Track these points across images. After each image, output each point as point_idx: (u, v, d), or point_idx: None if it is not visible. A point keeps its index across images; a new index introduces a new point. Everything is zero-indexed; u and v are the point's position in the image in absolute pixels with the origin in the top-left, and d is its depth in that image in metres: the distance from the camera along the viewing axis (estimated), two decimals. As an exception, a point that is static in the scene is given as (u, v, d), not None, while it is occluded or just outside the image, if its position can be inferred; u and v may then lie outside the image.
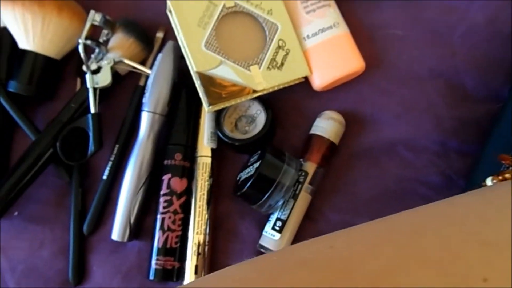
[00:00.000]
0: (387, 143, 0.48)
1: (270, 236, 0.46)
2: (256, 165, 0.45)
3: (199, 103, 0.49)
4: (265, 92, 0.48)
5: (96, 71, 0.51)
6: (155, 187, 0.49)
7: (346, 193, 0.48)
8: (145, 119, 0.49)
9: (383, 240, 0.24)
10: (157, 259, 0.46)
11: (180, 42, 0.48)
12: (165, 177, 0.48)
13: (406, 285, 0.21)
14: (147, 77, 0.52)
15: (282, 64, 0.48)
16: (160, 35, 0.54)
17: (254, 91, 0.47)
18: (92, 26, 0.50)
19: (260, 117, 0.49)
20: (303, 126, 0.50)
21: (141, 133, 0.50)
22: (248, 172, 0.46)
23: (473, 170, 0.47)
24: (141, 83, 0.53)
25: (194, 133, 0.50)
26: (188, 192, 0.49)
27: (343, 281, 0.22)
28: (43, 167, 0.50)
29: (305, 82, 0.50)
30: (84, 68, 0.51)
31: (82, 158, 0.50)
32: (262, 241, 0.46)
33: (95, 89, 0.50)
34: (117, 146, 0.51)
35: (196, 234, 0.47)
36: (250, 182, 0.44)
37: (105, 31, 0.53)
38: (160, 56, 0.50)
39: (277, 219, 0.46)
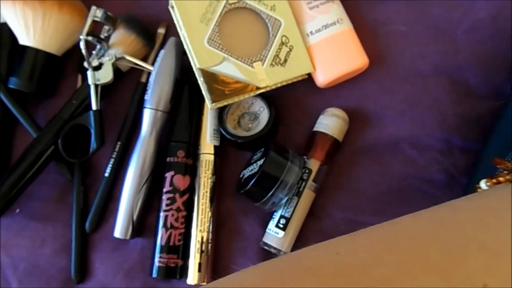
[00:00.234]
0: (390, 140, 0.48)
1: (273, 234, 0.46)
2: (260, 162, 0.45)
3: (202, 100, 0.49)
4: (268, 89, 0.47)
5: (97, 68, 0.50)
6: (157, 185, 0.49)
7: (350, 190, 0.48)
8: (147, 116, 0.49)
9: (387, 246, 0.25)
10: (160, 257, 0.46)
11: (182, 39, 0.47)
12: (168, 175, 0.48)
13: None
14: (149, 73, 0.52)
15: (285, 60, 0.48)
16: (161, 31, 0.54)
17: (258, 88, 0.47)
18: (94, 22, 0.49)
19: (263, 114, 0.48)
20: (306, 123, 0.50)
21: (143, 130, 0.49)
22: (252, 170, 0.46)
23: (475, 168, 0.46)
24: (143, 79, 0.53)
25: (196, 130, 0.50)
26: (191, 190, 0.48)
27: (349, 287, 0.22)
28: (44, 165, 0.49)
29: (308, 79, 0.49)
30: (86, 64, 0.50)
31: (84, 156, 0.50)
32: (266, 239, 0.46)
33: (96, 86, 0.49)
34: (119, 143, 0.51)
35: (199, 232, 0.47)
36: (254, 180, 0.44)
37: (106, 27, 0.52)
38: (162, 52, 0.50)
39: (281, 216, 0.46)
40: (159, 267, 0.46)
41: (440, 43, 0.49)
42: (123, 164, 0.50)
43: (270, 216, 0.48)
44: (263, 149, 0.47)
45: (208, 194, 0.48)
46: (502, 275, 0.21)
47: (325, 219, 0.47)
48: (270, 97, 0.49)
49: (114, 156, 0.51)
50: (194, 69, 0.47)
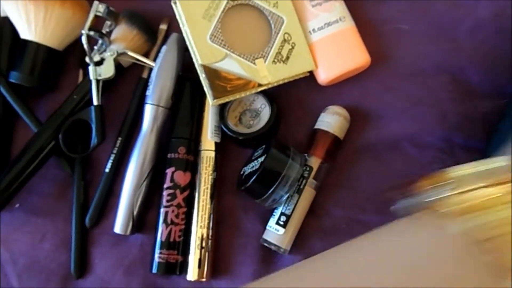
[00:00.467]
0: (391, 138, 0.48)
1: (274, 231, 0.46)
2: (261, 159, 0.45)
3: (203, 96, 0.49)
4: (270, 86, 0.47)
5: (99, 63, 0.50)
6: (157, 181, 0.49)
7: (350, 188, 0.48)
8: (149, 111, 0.49)
9: (324, 280, 0.24)
10: (160, 253, 0.46)
11: (184, 34, 0.47)
12: (169, 171, 0.48)
13: None
14: (150, 69, 0.52)
15: (287, 58, 0.48)
16: (163, 27, 0.54)
17: (259, 85, 0.47)
18: (96, 17, 0.49)
19: (265, 112, 0.48)
20: (307, 121, 0.50)
21: (144, 126, 0.49)
22: (253, 167, 0.46)
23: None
24: (145, 75, 0.52)
25: (197, 126, 0.50)
26: (191, 186, 0.48)
27: None
28: (45, 160, 0.49)
29: (310, 77, 0.49)
30: (87, 59, 0.50)
31: (85, 151, 0.50)
32: (266, 236, 0.46)
33: (98, 81, 0.49)
34: (120, 138, 0.51)
35: (200, 228, 0.47)
36: (254, 177, 0.44)
37: (108, 22, 0.52)
38: (164, 48, 0.50)
39: (282, 213, 0.46)
40: (159, 263, 0.46)
41: (442, 42, 0.49)
42: (124, 160, 0.50)
43: (270, 213, 0.48)
44: (264, 146, 0.47)
45: (209, 191, 0.48)
46: None
47: (326, 217, 0.47)
48: (272, 94, 0.49)
49: (114, 151, 0.51)
50: (196, 65, 0.47)
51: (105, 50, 0.51)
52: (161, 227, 0.47)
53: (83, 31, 0.49)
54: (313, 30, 0.48)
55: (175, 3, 0.47)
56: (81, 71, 0.54)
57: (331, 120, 0.47)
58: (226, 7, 0.46)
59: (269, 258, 0.47)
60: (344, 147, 0.49)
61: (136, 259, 0.49)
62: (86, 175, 0.51)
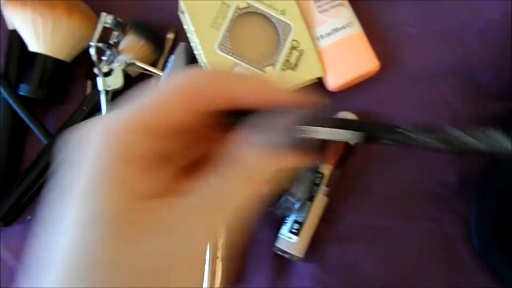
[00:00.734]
0: (403, 143, 0.48)
1: (287, 239, 0.45)
2: (272, 167, 0.45)
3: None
4: (279, 93, 0.47)
5: (107, 74, 0.50)
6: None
7: (363, 194, 0.48)
8: (158, 121, 0.49)
9: None
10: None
11: (192, 44, 0.47)
12: (180, 180, 0.48)
13: None
14: (158, 79, 0.52)
15: (296, 65, 0.48)
16: (170, 36, 0.54)
17: (269, 93, 0.47)
18: (103, 28, 0.49)
19: (274, 119, 0.48)
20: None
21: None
22: (264, 175, 0.46)
23: (490, 169, 0.46)
24: (153, 85, 0.52)
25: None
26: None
27: None
28: (56, 171, 0.49)
29: (319, 83, 0.49)
30: (96, 70, 0.50)
31: (95, 162, 0.50)
32: (279, 244, 0.46)
33: (107, 92, 0.49)
34: (130, 149, 0.51)
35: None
36: (266, 185, 0.44)
37: (115, 33, 0.52)
38: (172, 58, 0.50)
39: (294, 221, 0.46)
40: (172, 273, 0.46)
41: (451, 45, 0.49)
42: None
43: (281, 220, 0.48)
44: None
45: (220, 199, 0.48)
46: None
47: (339, 223, 0.47)
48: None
49: (125, 162, 0.50)
50: (205, 74, 0.47)
51: (113, 61, 0.51)
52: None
53: (91, 43, 0.49)
54: (321, 36, 0.48)
55: (182, 12, 0.47)
56: (89, 82, 0.54)
57: (342, 126, 0.47)
58: (234, 16, 0.46)
59: (283, 266, 0.47)
60: (355, 153, 0.48)
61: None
62: (97, 186, 0.51)
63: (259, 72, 0.46)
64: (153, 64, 0.52)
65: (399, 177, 0.48)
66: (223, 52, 0.46)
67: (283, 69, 0.47)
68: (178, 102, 0.22)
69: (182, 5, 0.46)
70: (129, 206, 0.20)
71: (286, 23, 0.48)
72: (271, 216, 0.48)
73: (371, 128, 0.24)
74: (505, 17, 0.49)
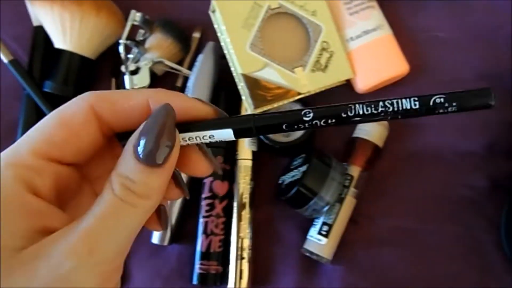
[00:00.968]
0: (431, 146, 0.48)
1: (316, 241, 0.45)
2: (302, 168, 0.45)
3: (239, 105, 0.49)
4: (307, 94, 0.47)
5: (134, 72, 0.50)
6: (194, 190, 0.49)
7: (391, 196, 0.48)
8: (186, 121, 0.49)
9: None
10: (201, 264, 0.46)
11: (223, 43, 0.47)
12: (207, 180, 0.48)
13: None
14: (185, 78, 0.52)
15: (326, 66, 0.47)
16: (196, 35, 0.53)
17: (299, 94, 0.47)
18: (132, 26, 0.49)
19: (303, 120, 0.48)
20: (343, 129, 0.50)
21: (181, 135, 0.49)
22: (293, 176, 0.46)
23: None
24: (179, 84, 0.52)
25: (233, 135, 0.49)
26: (229, 196, 0.48)
27: None
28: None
29: (347, 84, 0.49)
30: (123, 69, 0.50)
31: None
32: (308, 246, 0.46)
33: (133, 90, 0.49)
34: (155, 148, 0.50)
35: (240, 238, 0.47)
36: (297, 186, 0.44)
37: (141, 31, 0.52)
38: (201, 57, 0.49)
39: (323, 223, 0.45)
40: (200, 273, 0.46)
41: (481, 49, 0.49)
42: (160, 169, 0.50)
43: (308, 222, 0.47)
44: (304, 155, 0.47)
45: (248, 200, 0.48)
46: None
47: (367, 226, 0.47)
48: (308, 102, 0.48)
49: (151, 161, 0.50)
50: (235, 74, 0.47)
51: (139, 59, 0.51)
52: (201, 237, 0.47)
53: (121, 40, 0.48)
54: (351, 38, 0.48)
55: (213, 12, 0.47)
56: (113, 80, 0.53)
57: (371, 128, 0.47)
58: (265, 16, 0.46)
59: (311, 268, 0.47)
60: (383, 155, 0.48)
61: (174, 270, 0.48)
62: (121, 185, 0.50)
63: (290, 73, 0.46)
64: (179, 63, 0.52)
65: (427, 180, 0.48)
66: (254, 52, 0.46)
67: (313, 71, 0.47)
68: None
69: (214, 4, 0.45)
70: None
71: (317, 24, 0.47)
72: (297, 217, 0.48)
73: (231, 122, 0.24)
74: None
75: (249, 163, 0.49)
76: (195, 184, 0.48)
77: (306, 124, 0.23)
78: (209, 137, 0.24)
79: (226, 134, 0.24)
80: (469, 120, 0.48)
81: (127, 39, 0.49)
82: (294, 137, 0.47)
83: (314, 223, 0.46)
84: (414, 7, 0.50)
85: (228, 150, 0.49)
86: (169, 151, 0.22)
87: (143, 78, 0.50)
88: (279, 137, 0.48)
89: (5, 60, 0.51)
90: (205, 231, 0.47)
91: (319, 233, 0.45)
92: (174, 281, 0.48)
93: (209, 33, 0.53)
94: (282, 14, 0.47)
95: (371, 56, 0.48)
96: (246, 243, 0.47)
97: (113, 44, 0.53)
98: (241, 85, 0.46)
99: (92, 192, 0.26)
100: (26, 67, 0.53)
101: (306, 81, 0.47)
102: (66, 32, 0.49)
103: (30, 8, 0.53)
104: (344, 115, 0.23)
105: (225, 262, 0.47)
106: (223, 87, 0.50)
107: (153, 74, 0.51)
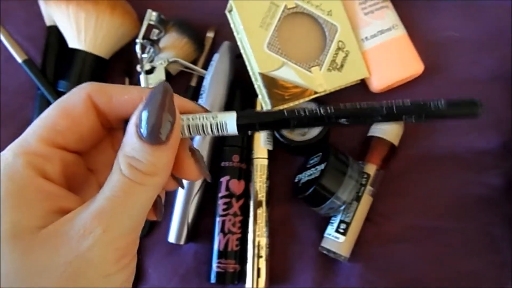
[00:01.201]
0: (447, 144, 0.49)
1: (334, 239, 0.46)
2: (320, 167, 0.45)
3: (253, 103, 0.49)
4: (323, 93, 0.47)
5: (149, 71, 0.50)
6: (209, 189, 0.49)
7: (407, 194, 0.48)
8: (202, 120, 0.49)
9: None
10: (219, 262, 0.46)
11: (239, 43, 0.47)
12: (223, 179, 0.48)
13: None
14: (199, 77, 0.52)
15: (342, 65, 0.48)
16: (210, 35, 0.54)
17: (315, 93, 0.47)
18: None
19: (319, 119, 0.48)
20: (358, 128, 0.50)
21: (197, 134, 0.49)
22: (311, 174, 0.46)
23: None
24: (193, 83, 0.52)
25: (249, 134, 0.50)
26: (246, 194, 0.48)
27: None
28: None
29: (362, 83, 0.50)
30: (138, 68, 0.50)
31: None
32: (325, 244, 0.46)
33: (149, 90, 0.49)
34: (170, 147, 0.50)
35: (257, 237, 0.47)
36: (315, 185, 0.44)
37: (155, 31, 0.52)
38: (216, 56, 0.50)
39: (341, 221, 0.46)
40: (217, 272, 0.46)
41: (495, 48, 0.49)
42: (175, 169, 0.50)
43: (325, 220, 0.48)
44: (320, 153, 0.47)
45: (264, 199, 0.48)
46: None
47: (384, 224, 0.47)
48: (324, 101, 0.49)
49: (166, 160, 0.50)
50: (251, 73, 0.47)
51: (154, 59, 0.51)
52: (218, 236, 0.47)
53: (137, 40, 0.48)
54: (366, 38, 0.49)
55: (230, 11, 0.47)
56: (127, 80, 0.53)
57: (386, 127, 0.48)
58: (282, 16, 0.46)
59: (328, 266, 0.47)
60: (398, 153, 0.49)
61: (190, 269, 0.48)
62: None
63: (307, 72, 0.46)
64: (193, 62, 0.52)
65: (443, 178, 0.48)
66: (271, 51, 0.46)
67: (329, 70, 0.47)
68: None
69: (231, 4, 0.45)
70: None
71: (333, 24, 0.48)
72: (313, 216, 0.48)
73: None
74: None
75: (265, 162, 0.49)
76: (210, 183, 0.49)
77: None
78: (212, 118, 0.25)
79: (229, 118, 0.25)
80: (485, 119, 0.48)
81: (143, 38, 0.50)
82: (310, 136, 0.48)
83: (331, 221, 0.47)
84: (428, 7, 0.51)
85: (244, 149, 0.49)
86: (171, 127, 0.23)
87: (159, 77, 0.50)
88: (295, 136, 0.48)
89: (19, 60, 0.51)
90: (222, 230, 0.47)
91: (337, 231, 0.46)
92: (191, 280, 0.48)
93: (223, 33, 0.53)
94: (298, 13, 0.47)
95: (386, 55, 0.48)
96: (263, 241, 0.47)
97: (126, 44, 0.53)
98: (258, 84, 0.46)
99: (98, 183, 0.27)
100: (39, 67, 0.52)
101: (322, 80, 0.47)
102: (81, 32, 0.49)
103: (44, 7, 0.53)
104: (330, 111, 0.25)
105: (243, 261, 0.47)
106: (239, 85, 0.50)
107: (167, 74, 0.51)
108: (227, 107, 0.50)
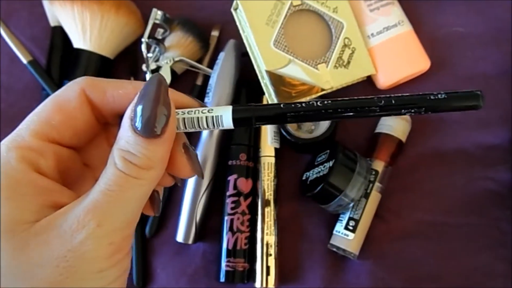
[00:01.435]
0: (454, 140, 0.48)
1: (343, 236, 0.45)
2: (328, 164, 0.45)
3: (260, 101, 0.49)
4: (330, 90, 0.47)
5: (155, 71, 0.50)
6: (217, 188, 0.49)
7: (416, 190, 0.48)
8: (208, 119, 0.48)
9: None
10: (228, 261, 0.46)
11: (245, 41, 0.47)
12: (231, 178, 0.48)
13: None
14: (205, 76, 0.52)
15: (348, 62, 0.48)
16: (215, 33, 0.53)
17: (322, 90, 0.47)
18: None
19: (326, 116, 0.48)
20: (365, 125, 0.50)
21: (204, 132, 0.49)
22: (319, 172, 0.46)
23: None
24: (199, 82, 0.52)
25: (255, 132, 0.49)
26: (253, 193, 0.48)
27: None
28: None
29: (368, 80, 0.49)
30: (144, 67, 0.50)
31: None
32: (334, 241, 0.46)
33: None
34: (177, 146, 0.50)
35: (266, 235, 0.47)
36: (323, 183, 0.44)
37: (160, 30, 0.52)
38: (222, 55, 0.49)
39: (350, 218, 0.46)
40: (227, 271, 0.46)
41: (501, 43, 0.49)
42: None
43: (333, 218, 0.48)
44: (328, 151, 0.47)
45: (272, 197, 0.48)
46: None
47: (393, 220, 0.47)
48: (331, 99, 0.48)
49: (173, 159, 0.50)
50: (258, 71, 0.47)
51: (159, 58, 0.50)
52: (226, 235, 0.47)
53: (143, 39, 0.48)
54: (372, 34, 0.48)
55: (235, 9, 0.47)
56: (132, 79, 0.53)
57: (394, 123, 0.47)
58: (288, 13, 0.46)
59: (337, 263, 0.47)
60: (406, 149, 0.49)
61: (199, 268, 0.48)
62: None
63: (313, 69, 0.46)
64: (199, 61, 0.52)
65: (451, 174, 0.48)
66: (278, 49, 0.46)
67: (335, 67, 0.47)
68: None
69: (237, 2, 0.45)
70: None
71: (338, 21, 0.48)
72: (321, 213, 0.48)
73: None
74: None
75: (272, 160, 0.49)
76: (217, 182, 0.48)
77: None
78: (208, 111, 0.25)
79: (225, 111, 0.25)
80: (491, 114, 0.48)
81: (148, 37, 0.49)
82: (317, 133, 0.48)
83: (340, 218, 0.47)
84: (434, 3, 0.51)
85: (251, 148, 0.49)
86: (166, 120, 0.23)
87: (164, 77, 0.50)
88: (302, 134, 0.48)
89: (24, 61, 0.51)
90: (231, 229, 0.46)
91: (346, 228, 0.45)
92: (199, 280, 0.48)
93: (228, 31, 0.53)
94: (304, 11, 0.47)
95: (393, 52, 0.48)
96: (272, 240, 0.47)
97: (131, 44, 0.53)
98: (265, 82, 0.46)
99: (94, 178, 0.26)
100: (44, 68, 0.52)
101: (329, 77, 0.47)
102: (86, 32, 0.49)
103: (48, 8, 0.53)
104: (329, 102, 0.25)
105: (252, 259, 0.47)
106: (244, 84, 0.50)
107: (173, 73, 0.51)
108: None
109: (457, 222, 0.47)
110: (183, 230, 0.47)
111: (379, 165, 0.47)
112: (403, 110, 0.24)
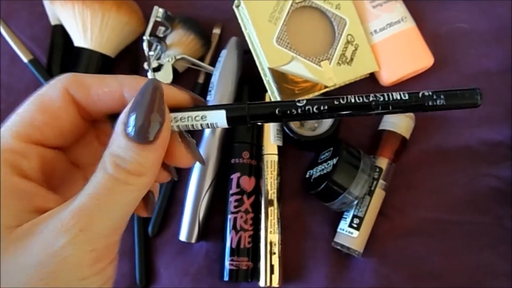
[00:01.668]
0: (458, 137, 0.48)
1: (347, 234, 0.45)
2: (332, 162, 0.45)
3: (262, 99, 0.49)
4: (333, 87, 0.47)
5: (157, 69, 0.50)
6: (220, 186, 0.48)
7: (419, 188, 0.48)
8: (211, 117, 0.48)
9: None
10: (232, 260, 0.46)
11: (247, 38, 0.47)
12: (234, 176, 0.47)
13: None
14: (207, 74, 0.52)
15: (351, 59, 0.47)
16: (217, 31, 0.53)
17: (325, 87, 0.46)
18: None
19: (329, 114, 0.48)
20: (368, 122, 0.50)
21: (206, 131, 0.49)
22: (322, 170, 0.46)
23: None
24: (201, 80, 0.52)
25: (258, 130, 0.49)
26: (256, 191, 0.48)
27: None
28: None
29: (371, 77, 0.49)
30: (146, 66, 0.49)
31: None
32: (338, 239, 0.46)
33: (156, 87, 0.49)
34: (180, 145, 0.50)
35: (270, 234, 0.46)
36: (327, 180, 0.44)
37: (161, 28, 0.52)
38: (224, 52, 0.49)
39: (354, 216, 0.45)
40: (231, 270, 0.46)
41: (505, 40, 0.49)
42: (185, 167, 0.49)
43: (336, 215, 0.47)
44: (331, 148, 0.46)
45: (275, 195, 0.47)
46: None
47: (397, 218, 0.47)
48: (333, 95, 0.48)
49: (175, 158, 0.50)
50: (260, 69, 0.46)
51: (161, 56, 0.50)
52: (230, 233, 0.46)
53: (145, 37, 0.48)
54: (375, 31, 0.48)
55: (237, 7, 0.46)
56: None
57: (397, 120, 0.47)
58: (291, 10, 0.46)
59: (341, 261, 0.47)
60: (409, 147, 0.48)
61: (202, 267, 0.48)
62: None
63: (316, 66, 0.46)
64: (200, 59, 0.52)
65: (455, 171, 0.48)
66: (281, 46, 0.45)
67: (339, 64, 0.47)
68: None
69: (239, -1, 0.45)
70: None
71: (341, 18, 0.47)
72: (324, 211, 0.48)
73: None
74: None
75: (275, 158, 0.48)
76: (220, 181, 0.48)
77: (299, 110, 0.24)
78: (201, 118, 0.24)
79: (219, 117, 0.24)
80: (495, 111, 0.48)
81: (150, 35, 0.49)
82: (320, 131, 0.47)
83: (344, 216, 0.46)
84: (436, 2, 0.50)
85: (253, 146, 0.48)
86: (159, 127, 0.22)
87: (166, 75, 0.50)
88: (304, 131, 0.48)
89: (25, 60, 0.51)
90: (234, 227, 0.46)
91: (350, 226, 0.45)
92: (203, 279, 0.48)
93: (229, 29, 0.53)
94: (307, 7, 0.47)
95: (396, 48, 0.48)
96: (276, 238, 0.46)
97: (132, 42, 0.53)
98: (267, 80, 0.46)
99: (84, 179, 0.26)
100: (45, 67, 0.52)
101: (332, 74, 0.47)
102: (87, 30, 0.49)
103: (49, 7, 0.52)
104: (336, 103, 0.24)
105: (256, 258, 0.47)
106: (247, 81, 0.50)
107: (174, 71, 0.51)
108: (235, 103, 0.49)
109: (460, 219, 0.47)
110: (186, 229, 0.47)
111: (383, 162, 0.47)
112: (400, 109, 0.24)
